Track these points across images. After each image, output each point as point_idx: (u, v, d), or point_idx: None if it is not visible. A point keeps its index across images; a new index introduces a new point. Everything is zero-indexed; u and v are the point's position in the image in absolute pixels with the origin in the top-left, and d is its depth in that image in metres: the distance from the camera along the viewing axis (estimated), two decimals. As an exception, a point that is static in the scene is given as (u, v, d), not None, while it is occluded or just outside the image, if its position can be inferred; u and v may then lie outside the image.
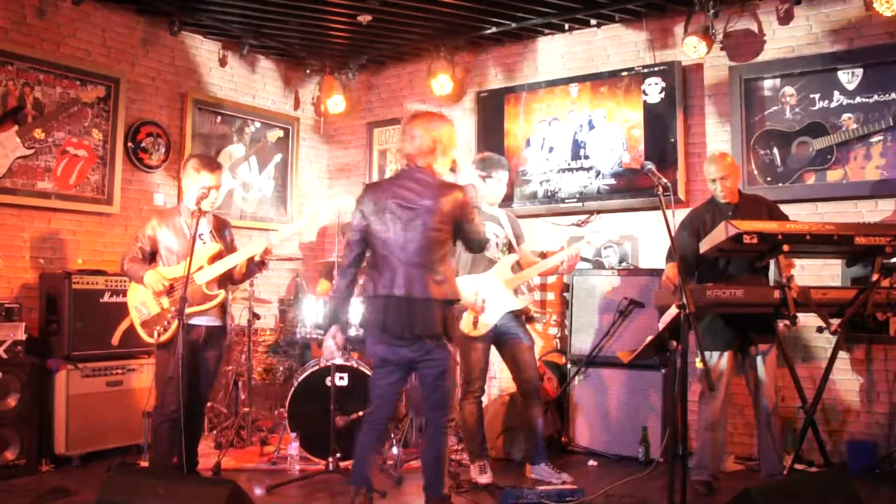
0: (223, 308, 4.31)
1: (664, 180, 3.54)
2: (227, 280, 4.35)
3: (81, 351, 4.95)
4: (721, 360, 4.33)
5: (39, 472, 4.65)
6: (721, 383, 4.31)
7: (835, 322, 3.71)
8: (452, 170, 3.62)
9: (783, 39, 5.34)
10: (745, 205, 4.42)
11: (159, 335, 4.09)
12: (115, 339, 4.94)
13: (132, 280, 4.23)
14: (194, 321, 4.13)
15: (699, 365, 3.21)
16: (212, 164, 4.31)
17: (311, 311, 5.22)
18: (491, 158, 4.78)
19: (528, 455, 4.74)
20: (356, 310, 5.17)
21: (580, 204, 5.96)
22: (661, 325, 3.54)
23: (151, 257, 4.27)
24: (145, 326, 4.17)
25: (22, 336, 4.72)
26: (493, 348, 4.66)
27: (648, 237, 5.79)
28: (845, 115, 5.07)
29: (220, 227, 4.44)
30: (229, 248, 4.38)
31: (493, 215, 4.73)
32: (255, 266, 4.39)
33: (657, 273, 5.31)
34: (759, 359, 4.27)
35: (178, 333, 3.83)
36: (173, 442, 4.02)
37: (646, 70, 5.74)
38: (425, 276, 3.45)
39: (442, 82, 6.41)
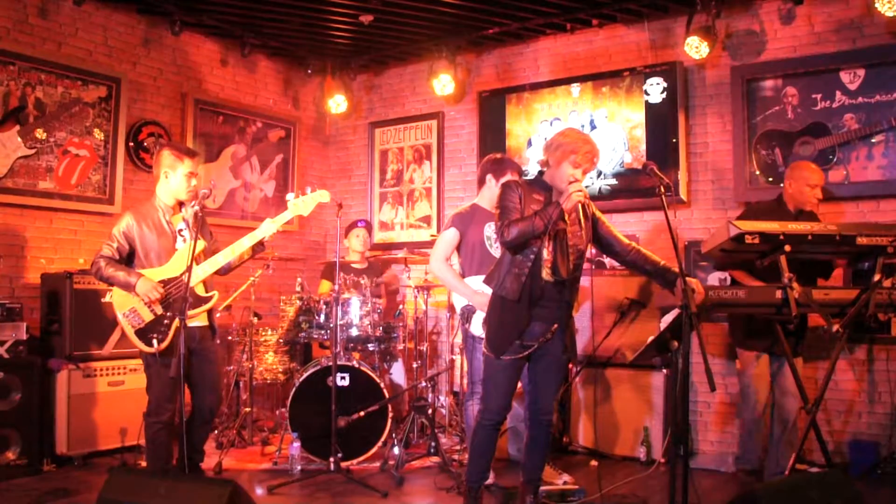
0: (209, 309, 4.10)
1: (666, 180, 3.54)
2: (211, 279, 4.14)
3: (83, 351, 4.96)
4: (760, 362, 4.47)
5: (41, 471, 4.65)
6: (762, 383, 4.49)
7: (837, 322, 3.71)
8: (571, 182, 3.51)
9: (785, 39, 5.34)
10: (806, 217, 4.42)
11: (159, 343, 3.85)
12: (107, 350, 4.95)
13: (117, 287, 3.93)
14: (189, 323, 3.87)
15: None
16: (190, 151, 4.17)
17: (312, 312, 5.22)
18: (504, 160, 4.71)
19: None
20: (355, 310, 5.18)
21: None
22: (662, 325, 3.53)
23: (129, 258, 4.01)
24: (141, 335, 3.91)
25: (23, 336, 4.72)
26: None
27: (650, 237, 5.78)
28: (847, 115, 5.07)
29: (200, 223, 4.14)
30: (211, 245, 4.19)
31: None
32: (259, 247, 4.22)
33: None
34: (783, 365, 4.33)
35: (180, 334, 3.65)
36: (171, 448, 3.93)
37: (647, 70, 5.73)
38: None
39: (443, 82, 6.41)
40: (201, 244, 4.06)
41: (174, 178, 4.05)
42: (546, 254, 3.54)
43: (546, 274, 3.55)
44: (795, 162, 4.82)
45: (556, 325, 3.61)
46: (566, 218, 3.53)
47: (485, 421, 3.73)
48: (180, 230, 4.07)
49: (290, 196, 4.29)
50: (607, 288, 5.47)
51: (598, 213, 3.78)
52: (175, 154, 4.07)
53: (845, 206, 5.10)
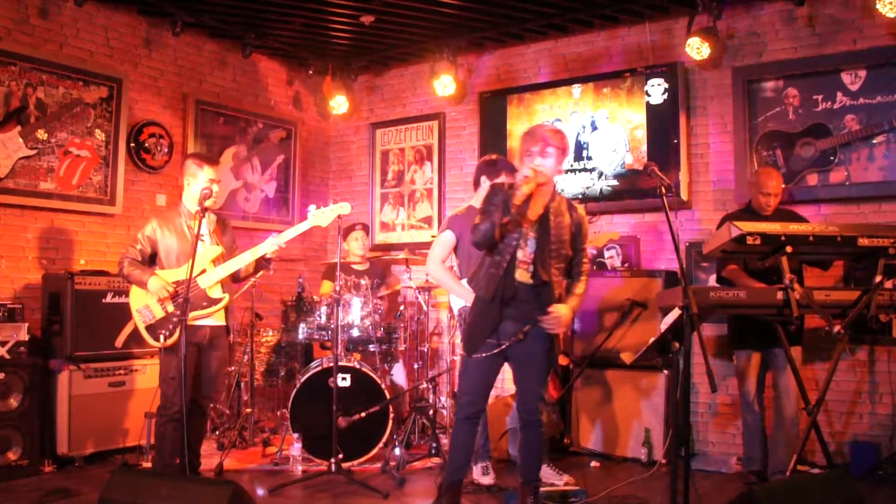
0: (226, 308, 4.29)
1: (667, 181, 3.54)
2: (229, 280, 4.33)
3: (84, 351, 4.96)
4: (750, 360, 4.57)
5: (42, 472, 4.66)
6: (749, 381, 4.60)
7: (838, 323, 3.71)
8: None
9: (786, 40, 5.33)
10: (777, 217, 4.44)
11: (165, 339, 4.05)
12: (119, 343, 4.99)
13: (134, 284, 4.18)
14: (198, 322, 4.13)
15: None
16: (211, 158, 4.45)
17: (313, 312, 5.22)
18: (498, 162, 4.72)
19: None
20: (356, 310, 5.18)
21: (583, 205, 5.93)
22: (663, 327, 3.54)
23: (151, 259, 4.25)
24: (150, 331, 4.14)
25: (24, 336, 4.71)
26: None
27: (651, 238, 5.79)
28: (848, 116, 5.07)
29: (222, 228, 4.42)
30: (230, 250, 4.36)
31: None
32: (263, 263, 4.38)
33: (659, 274, 5.32)
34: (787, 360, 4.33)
35: (181, 336, 3.80)
36: (177, 442, 4.00)
37: (648, 71, 5.73)
38: None
39: (445, 83, 6.41)
40: (218, 249, 4.25)
41: (196, 185, 4.24)
42: (522, 255, 3.57)
43: (521, 275, 3.57)
44: (759, 168, 5.02)
45: (528, 326, 3.60)
46: (525, 213, 3.53)
47: (459, 415, 3.79)
48: (201, 235, 4.18)
49: (311, 207, 4.42)
50: (608, 289, 5.47)
51: (584, 223, 3.77)
52: (196, 162, 4.29)
53: (846, 207, 5.09)
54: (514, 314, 3.61)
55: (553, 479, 4.52)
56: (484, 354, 3.63)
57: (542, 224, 3.59)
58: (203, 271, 4.14)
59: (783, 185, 4.68)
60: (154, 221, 4.27)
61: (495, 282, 3.57)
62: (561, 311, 3.55)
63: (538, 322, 3.58)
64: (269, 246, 4.24)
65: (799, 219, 4.50)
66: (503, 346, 3.61)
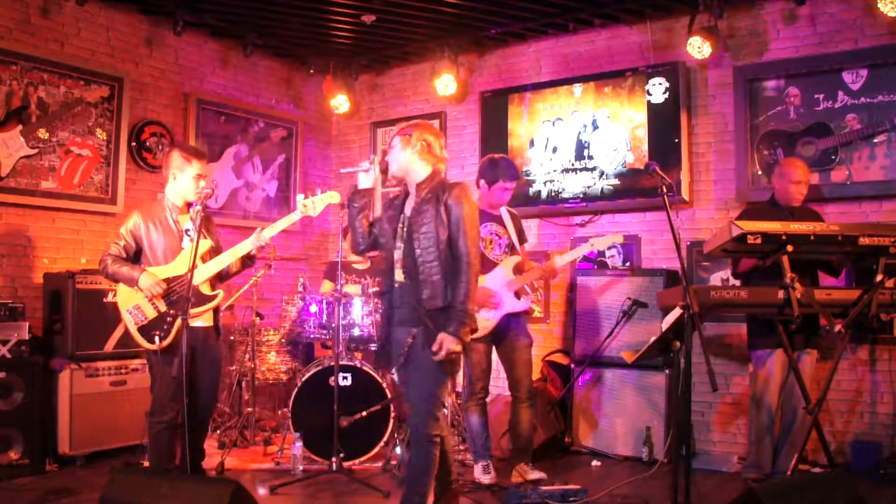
0: (214, 309, 4.11)
1: (668, 180, 3.54)
2: (216, 279, 4.17)
3: (85, 350, 4.96)
4: (776, 360, 4.40)
5: (43, 471, 4.65)
6: (773, 382, 4.42)
7: (839, 323, 3.71)
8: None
9: (787, 39, 5.33)
10: (801, 213, 4.42)
11: (161, 340, 3.85)
12: (109, 347, 4.96)
13: (122, 283, 3.97)
14: (194, 323, 3.94)
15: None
16: (199, 152, 4.17)
17: (315, 311, 5.22)
18: (499, 167, 4.70)
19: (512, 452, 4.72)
20: (358, 310, 5.18)
21: (584, 204, 5.95)
22: (664, 326, 3.54)
23: (136, 256, 4.05)
24: (143, 332, 3.94)
25: (26, 336, 4.72)
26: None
27: (652, 238, 5.78)
28: (850, 116, 5.06)
29: (208, 224, 4.17)
30: (217, 244, 4.21)
31: (496, 215, 4.73)
32: (248, 261, 4.22)
33: (660, 273, 5.32)
34: (798, 359, 4.28)
35: (183, 334, 3.58)
36: (174, 448, 3.92)
37: (649, 70, 5.73)
38: None
39: (446, 82, 6.41)
40: (208, 243, 4.08)
41: (182, 179, 4.07)
42: (398, 254, 3.51)
43: (398, 275, 3.50)
44: (783, 159, 4.92)
45: (415, 330, 3.40)
46: (370, 206, 3.73)
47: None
48: (187, 230, 4.07)
49: (300, 197, 4.28)
50: (609, 288, 5.47)
51: (457, 207, 3.44)
52: (183, 156, 4.08)
53: (848, 206, 5.09)
54: (401, 318, 3.49)
55: (525, 474, 4.49)
56: (394, 373, 3.59)
57: (410, 220, 3.51)
58: (194, 266, 3.87)
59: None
60: (137, 215, 4.05)
61: (386, 285, 3.58)
62: (440, 340, 3.28)
63: (424, 325, 3.37)
64: (253, 241, 4.09)
65: (818, 217, 4.49)
66: (403, 356, 3.46)
